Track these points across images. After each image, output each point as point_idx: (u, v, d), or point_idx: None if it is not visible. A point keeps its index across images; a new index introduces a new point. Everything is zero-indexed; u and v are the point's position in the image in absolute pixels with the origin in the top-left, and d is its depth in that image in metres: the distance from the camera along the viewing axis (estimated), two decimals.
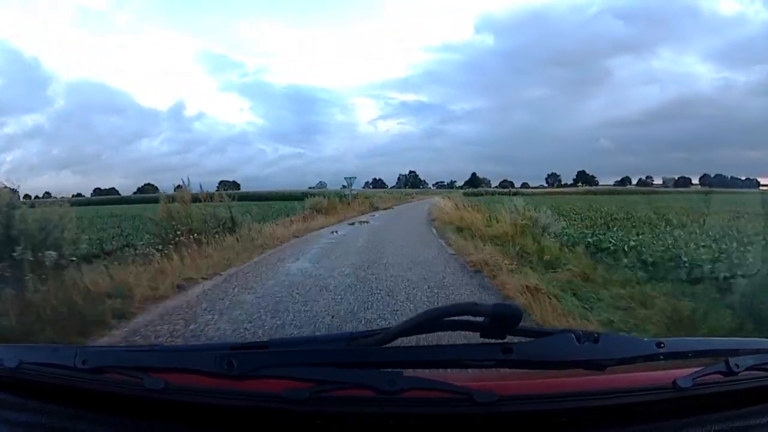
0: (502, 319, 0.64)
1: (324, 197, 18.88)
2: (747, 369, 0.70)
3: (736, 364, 0.69)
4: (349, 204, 20.08)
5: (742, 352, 0.73)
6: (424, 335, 0.76)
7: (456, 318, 0.68)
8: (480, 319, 0.65)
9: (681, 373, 0.68)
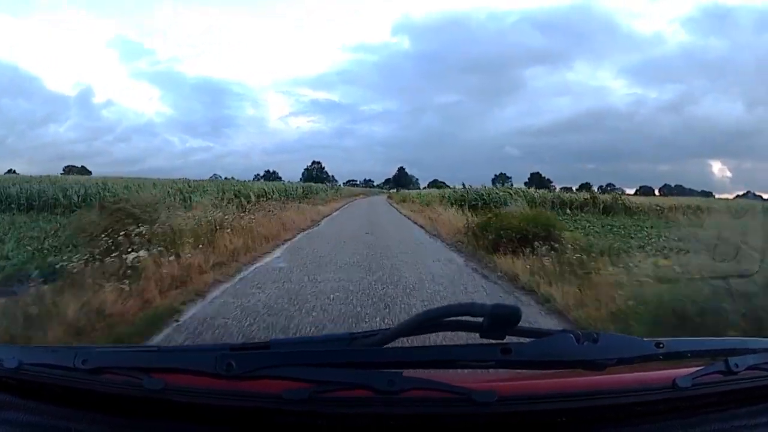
0: (501, 319, 0.64)
1: None
2: (746, 369, 0.70)
3: (735, 364, 0.69)
4: None
5: (741, 352, 0.73)
6: (423, 335, 0.76)
7: (455, 318, 0.68)
8: (479, 319, 0.65)
9: (680, 372, 0.68)
